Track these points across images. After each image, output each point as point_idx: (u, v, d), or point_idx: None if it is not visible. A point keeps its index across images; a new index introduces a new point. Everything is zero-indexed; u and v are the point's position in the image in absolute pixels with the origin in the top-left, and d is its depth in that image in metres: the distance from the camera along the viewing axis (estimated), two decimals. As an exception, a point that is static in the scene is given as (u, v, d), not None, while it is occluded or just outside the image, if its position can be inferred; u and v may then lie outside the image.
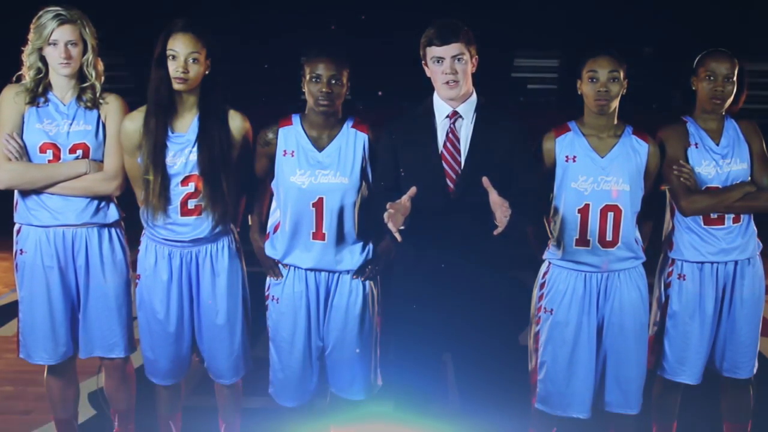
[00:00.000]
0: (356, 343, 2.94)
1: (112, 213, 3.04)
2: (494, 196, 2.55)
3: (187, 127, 2.88)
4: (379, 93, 7.96)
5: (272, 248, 2.94)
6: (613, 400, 2.96)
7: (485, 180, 2.57)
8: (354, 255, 2.91)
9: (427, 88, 2.82)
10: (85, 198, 2.96)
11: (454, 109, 2.75)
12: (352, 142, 2.86)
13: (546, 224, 2.98)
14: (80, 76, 2.96)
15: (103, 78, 3.00)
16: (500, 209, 2.52)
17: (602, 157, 2.86)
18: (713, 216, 2.98)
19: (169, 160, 2.86)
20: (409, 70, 3.20)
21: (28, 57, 2.93)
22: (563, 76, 9.05)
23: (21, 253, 3.01)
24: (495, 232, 2.52)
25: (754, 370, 3.11)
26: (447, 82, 2.69)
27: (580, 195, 2.85)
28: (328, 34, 8.14)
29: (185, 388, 3.28)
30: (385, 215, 2.51)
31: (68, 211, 2.96)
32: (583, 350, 2.91)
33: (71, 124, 2.94)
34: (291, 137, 2.87)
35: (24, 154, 2.92)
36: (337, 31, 8.16)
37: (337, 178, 2.84)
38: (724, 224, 2.99)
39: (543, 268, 3.00)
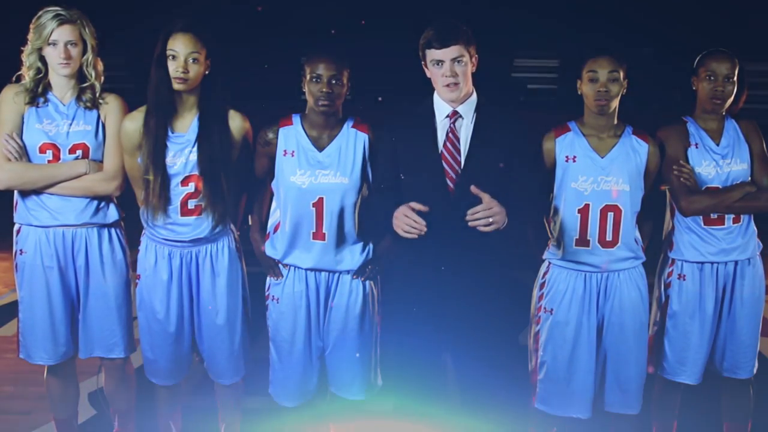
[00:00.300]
0: (356, 343, 2.94)
1: (112, 213, 3.04)
2: (486, 199, 2.55)
3: (187, 127, 2.88)
4: (379, 98, 7.95)
5: (272, 248, 2.94)
6: (613, 400, 2.96)
7: (473, 188, 2.56)
8: (354, 255, 2.91)
9: (427, 89, 2.82)
10: (85, 198, 2.96)
11: (454, 109, 2.75)
12: (352, 142, 2.86)
13: (546, 224, 2.98)
14: (80, 76, 2.95)
15: (102, 78, 2.99)
16: (489, 211, 2.52)
17: (602, 157, 2.86)
18: (713, 216, 2.98)
19: (169, 160, 2.86)
20: (408, 71, 3.20)
21: (28, 57, 2.92)
22: (563, 76, 9.05)
23: (21, 254, 3.01)
24: (483, 229, 2.52)
25: (754, 370, 3.11)
26: (447, 85, 2.69)
27: (580, 195, 2.85)
28: (328, 37, 8.14)
29: (185, 388, 3.28)
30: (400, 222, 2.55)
31: (68, 211, 2.96)
32: (583, 350, 2.90)
33: (71, 125, 2.94)
34: (291, 137, 2.87)
35: (24, 154, 2.92)
36: (337, 34, 8.17)
37: (337, 178, 2.84)
38: (724, 224, 2.99)
39: (543, 268, 3.00)
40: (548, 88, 9.31)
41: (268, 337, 3.02)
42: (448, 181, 2.72)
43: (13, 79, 3.00)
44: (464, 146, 2.74)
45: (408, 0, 7.38)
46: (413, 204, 2.57)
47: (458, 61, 2.68)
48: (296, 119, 2.89)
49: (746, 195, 2.94)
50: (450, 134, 2.74)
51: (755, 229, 3.06)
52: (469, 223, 2.52)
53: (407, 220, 2.55)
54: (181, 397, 3.20)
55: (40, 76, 2.94)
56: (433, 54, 2.69)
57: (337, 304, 2.93)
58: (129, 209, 3.11)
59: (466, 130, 2.75)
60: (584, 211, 2.85)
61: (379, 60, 7.36)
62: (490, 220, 2.52)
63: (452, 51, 2.66)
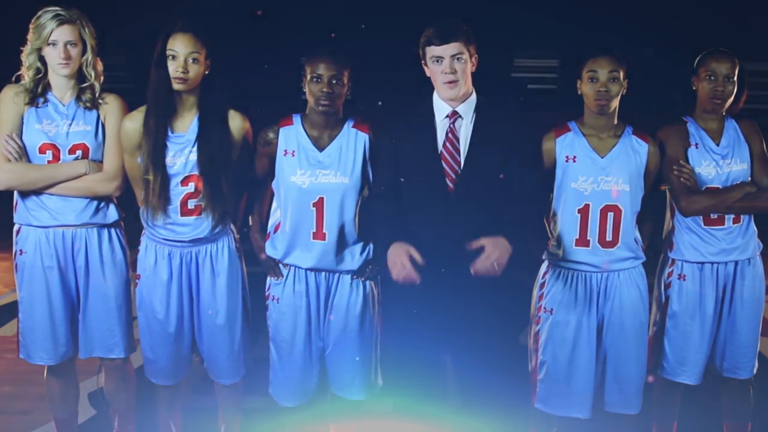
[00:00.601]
0: (356, 343, 2.94)
1: (112, 213, 3.04)
2: (484, 244, 2.55)
3: (187, 127, 2.88)
4: (380, 103, 7.96)
5: (273, 248, 2.94)
6: (613, 400, 2.96)
7: (468, 246, 2.56)
8: (354, 255, 2.91)
9: (427, 89, 2.82)
10: (85, 198, 2.96)
11: (453, 108, 2.75)
12: (352, 142, 2.86)
13: (546, 224, 2.98)
14: (79, 77, 2.95)
15: (102, 78, 2.99)
16: (488, 260, 2.53)
17: (602, 157, 2.86)
18: (713, 216, 2.98)
19: (168, 160, 2.86)
20: (408, 72, 3.19)
21: (27, 57, 2.92)
22: (563, 76, 9.04)
23: (21, 254, 3.01)
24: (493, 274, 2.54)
25: (755, 370, 3.11)
26: (446, 82, 2.69)
27: (580, 195, 2.85)
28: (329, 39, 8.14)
29: (185, 388, 3.28)
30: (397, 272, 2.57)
31: (68, 211, 2.96)
32: (583, 350, 2.90)
33: (71, 125, 2.94)
34: (291, 137, 2.87)
35: (23, 154, 2.92)
36: (337, 37, 8.16)
37: (337, 178, 2.84)
38: (724, 224, 2.99)
39: (543, 268, 3.00)
40: (548, 88, 9.31)
41: (268, 337, 3.02)
42: (448, 182, 2.72)
43: (13, 79, 2.99)
44: (464, 146, 2.74)
45: (408, 0, 7.37)
46: (413, 253, 2.56)
47: (458, 59, 2.68)
48: (296, 119, 2.89)
49: (746, 195, 2.94)
50: (450, 134, 2.74)
51: (755, 229, 3.06)
52: (477, 275, 2.52)
53: (404, 271, 2.55)
54: (181, 397, 3.19)
55: (40, 76, 2.93)
56: (433, 50, 2.69)
57: (337, 305, 2.93)
58: (129, 209, 3.11)
59: (465, 130, 2.75)
60: (584, 211, 2.85)
61: (379, 61, 7.36)
62: (495, 266, 2.52)
63: (452, 47, 2.67)
